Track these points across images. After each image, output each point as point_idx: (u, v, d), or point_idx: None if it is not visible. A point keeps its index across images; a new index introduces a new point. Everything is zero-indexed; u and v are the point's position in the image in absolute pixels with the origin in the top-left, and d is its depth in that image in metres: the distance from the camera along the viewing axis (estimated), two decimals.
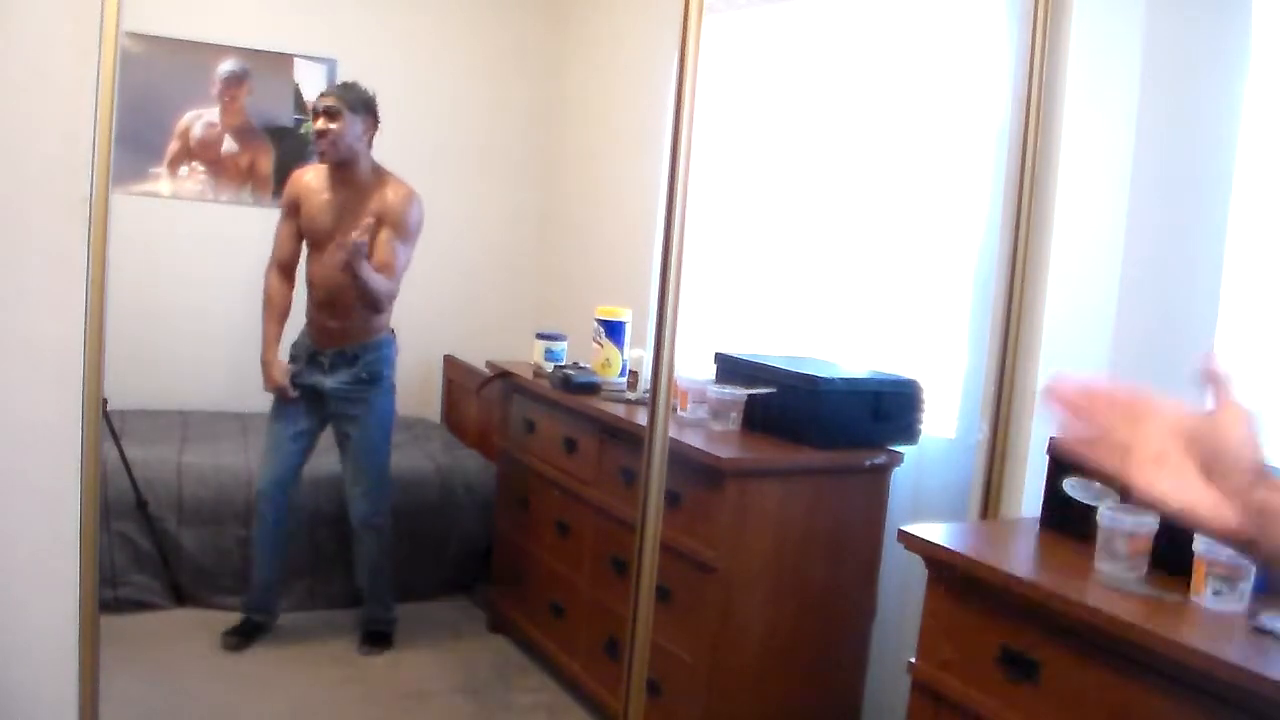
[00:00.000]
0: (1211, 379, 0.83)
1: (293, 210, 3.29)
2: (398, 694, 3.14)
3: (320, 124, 3.10)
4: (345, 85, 3.20)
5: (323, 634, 3.48)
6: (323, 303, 3.24)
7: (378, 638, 3.44)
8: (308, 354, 3.30)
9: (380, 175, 3.23)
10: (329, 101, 3.11)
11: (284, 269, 3.32)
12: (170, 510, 3.52)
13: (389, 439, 3.38)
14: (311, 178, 3.28)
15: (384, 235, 3.15)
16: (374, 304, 3.18)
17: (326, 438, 3.39)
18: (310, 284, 3.27)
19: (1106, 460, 0.80)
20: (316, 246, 3.25)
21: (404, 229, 3.17)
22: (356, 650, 3.38)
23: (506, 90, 4.78)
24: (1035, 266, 2.40)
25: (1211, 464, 0.78)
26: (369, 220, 3.06)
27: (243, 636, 3.32)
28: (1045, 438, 2.16)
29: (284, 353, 3.33)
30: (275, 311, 3.29)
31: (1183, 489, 0.78)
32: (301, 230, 3.28)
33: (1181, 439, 0.79)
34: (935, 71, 2.82)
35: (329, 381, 3.25)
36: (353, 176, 3.18)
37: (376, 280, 3.08)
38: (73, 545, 1.98)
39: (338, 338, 3.25)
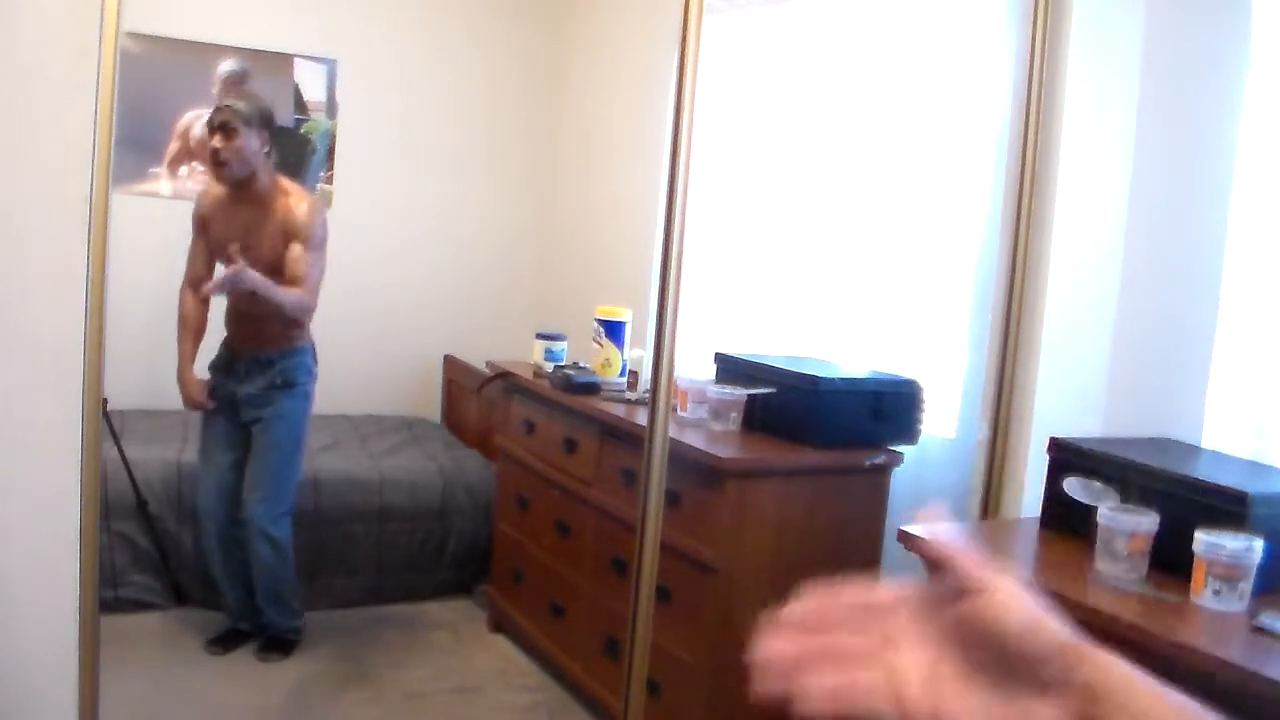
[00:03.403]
0: (941, 561, 0.62)
1: (202, 229, 3.23)
2: (398, 694, 3.14)
3: (216, 141, 3.01)
4: (241, 97, 3.12)
5: (323, 634, 3.47)
6: (238, 314, 3.20)
7: (279, 644, 3.32)
8: (225, 364, 3.26)
9: (281, 187, 3.16)
10: (225, 117, 3.00)
11: (198, 287, 3.23)
12: (170, 510, 3.52)
13: (298, 445, 3.28)
14: (216, 195, 3.21)
15: (295, 251, 3.09)
16: (292, 320, 3.15)
17: (326, 437, 3.37)
18: (228, 304, 3.23)
19: (860, 701, 0.60)
20: (229, 263, 3.16)
21: (312, 240, 3.11)
22: (255, 656, 3.26)
23: (506, 90, 4.78)
24: (1035, 266, 2.40)
25: (1004, 668, 0.60)
26: (272, 242, 2.98)
27: (225, 645, 3.29)
28: (1045, 438, 2.16)
29: (203, 370, 3.28)
30: (190, 329, 3.24)
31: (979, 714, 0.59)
32: (211, 248, 3.22)
33: (948, 646, 0.61)
34: (935, 72, 2.82)
35: (244, 388, 3.20)
36: (254, 192, 3.10)
37: (288, 297, 3.04)
38: (73, 545, 1.97)
39: (253, 345, 3.21)
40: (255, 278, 2.93)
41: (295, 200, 3.13)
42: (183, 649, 3.27)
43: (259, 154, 3.06)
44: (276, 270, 3.07)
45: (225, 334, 3.28)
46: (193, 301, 3.25)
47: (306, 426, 3.31)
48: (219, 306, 3.27)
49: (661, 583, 2.30)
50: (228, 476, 3.24)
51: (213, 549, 3.28)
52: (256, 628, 3.35)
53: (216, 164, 3.05)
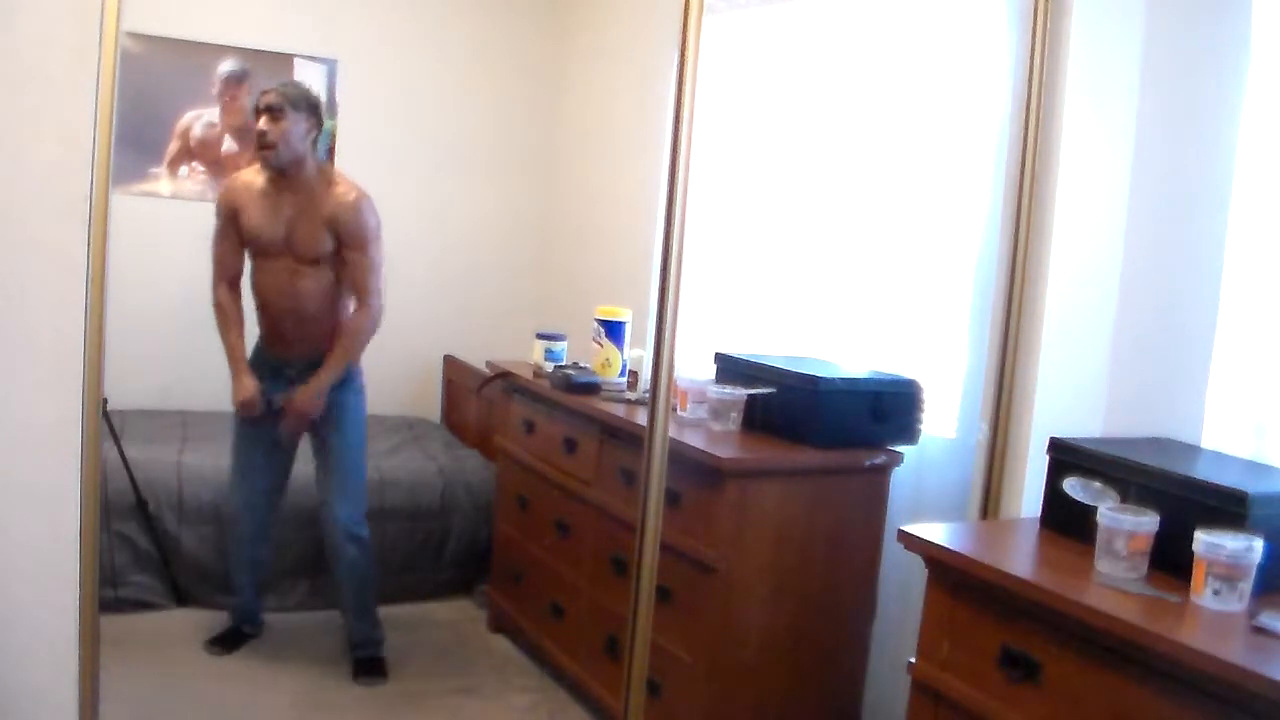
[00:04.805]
0: None
1: (232, 220, 3.07)
2: (398, 694, 3.14)
3: (263, 123, 2.92)
4: (288, 83, 3.06)
5: (323, 634, 3.47)
6: (279, 315, 3.09)
7: (372, 665, 3.22)
8: (271, 368, 3.15)
9: (327, 176, 3.05)
10: (272, 99, 2.92)
11: (232, 283, 3.13)
12: (170, 510, 3.52)
13: (364, 440, 3.22)
14: (250, 183, 3.07)
15: (353, 258, 3.01)
16: (341, 315, 3.12)
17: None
18: (262, 299, 3.10)
19: None
20: (265, 257, 3.06)
21: (367, 240, 3.02)
22: (352, 681, 3.16)
23: (507, 90, 4.78)
24: (1035, 266, 2.40)
25: None
26: (324, 234, 2.93)
27: (225, 645, 3.28)
28: (1045, 438, 2.16)
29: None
30: (235, 325, 3.11)
31: None
32: (245, 241, 3.08)
33: None
34: (935, 72, 2.82)
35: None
36: (298, 180, 3.00)
37: (361, 339, 3.07)
38: (73, 545, 1.97)
39: (302, 347, 3.11)
40: (318, 390, 3.03)
41: (344, 192, 3.02)
42: (183, 649, 3.27)
43: (305, 139, 2.98)
44: (318, 262, 3.02)
45: (260, 335, 3.18)
46: (229, 297, 3.12)
47: (366, 418, 3.27)
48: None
49: (661, 583, 2.30)
50: (270, 484, 3.23)
51: (243, 549, 3.26)
52: (256, 629, 3.34)
53: (263, 147, 2.96)
